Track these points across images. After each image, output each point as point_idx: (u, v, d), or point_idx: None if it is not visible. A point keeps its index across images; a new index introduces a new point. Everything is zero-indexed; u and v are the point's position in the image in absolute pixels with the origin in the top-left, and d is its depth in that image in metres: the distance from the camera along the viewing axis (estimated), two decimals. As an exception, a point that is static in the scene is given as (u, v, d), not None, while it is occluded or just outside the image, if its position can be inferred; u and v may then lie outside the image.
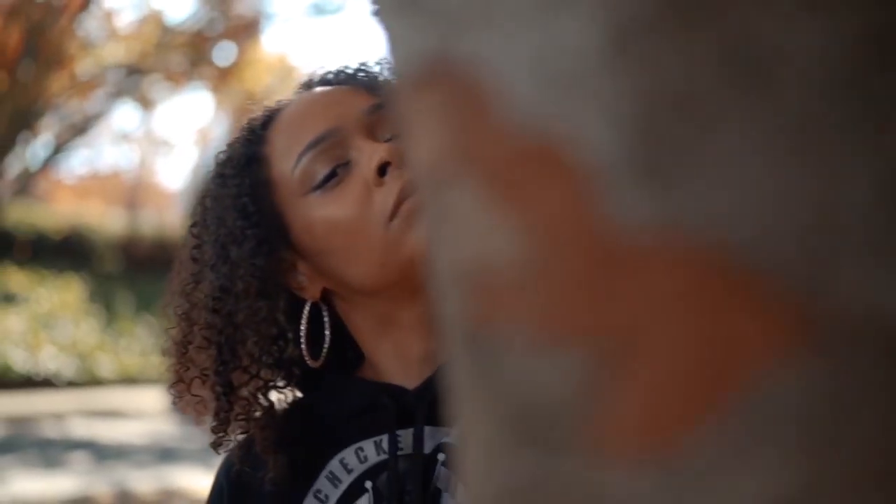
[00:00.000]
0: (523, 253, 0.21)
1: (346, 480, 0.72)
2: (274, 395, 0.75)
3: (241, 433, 0.74)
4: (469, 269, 0.23)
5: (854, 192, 0.16)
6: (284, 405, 0.76)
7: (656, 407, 0.18)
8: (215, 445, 0.74)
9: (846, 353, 0.17)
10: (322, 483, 0.72)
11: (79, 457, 6.43)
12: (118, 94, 12.29)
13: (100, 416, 7.76)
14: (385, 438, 0.71)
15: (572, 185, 0.19)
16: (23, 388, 8.41)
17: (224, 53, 12.04)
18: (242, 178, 0.74)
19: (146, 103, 13.02)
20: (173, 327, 0.76)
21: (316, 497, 0.72)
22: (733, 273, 0.18)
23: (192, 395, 0.75)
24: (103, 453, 6.50)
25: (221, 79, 11.99)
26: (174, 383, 0.75)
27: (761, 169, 0.17)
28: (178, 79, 12.02)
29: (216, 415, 0.73)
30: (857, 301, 0.16)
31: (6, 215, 11.71)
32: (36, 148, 12.48)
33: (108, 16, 11.63)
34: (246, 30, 11.91)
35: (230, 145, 0.77)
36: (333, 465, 0.72)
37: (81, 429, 7.31)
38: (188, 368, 0.74)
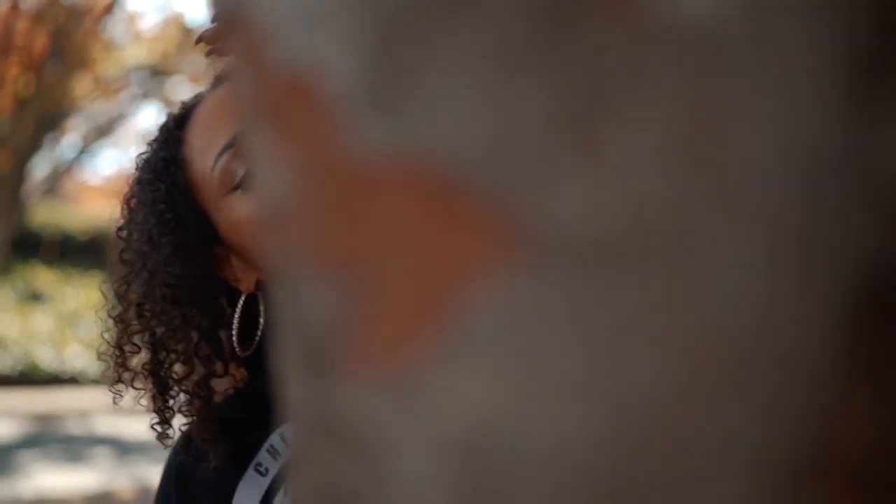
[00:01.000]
0: (295, 187, 0.22)
1: (286, 453, 0.73)
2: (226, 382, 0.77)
3: (185, 424, 0.76)
4: (269, 206, 0.24)
5: (533, 109, 0.17)
6: (228, 393, 0.78)
7: (390, 328, 0.19)
8: (160, 438, 0.77)
9: (541, 265, 0.18)
10: (263, 456, 0.74)
11: (102, 452, 6.52)
12: (143, 95, 12.44)
13: (123, 414, 7.86)
14: None
15: (324, 118, 0.20)
16: (49, 385, 8.54)
17: (246, 54, 12.08)
18: (158, 183, 0.75)
19: (170, 104, 13.16)
20: (108, 329, 0.78)
21: (256, 470, 0.74)
22: (447, 194, 0.18)
23: (136, 388, 0.77)
24: (126, 449, 6.58)
25: (243, 79, 12.03)
26: (114, 383, 0.78)
27: (466, 91, 0.18)
28: (200, 80, 12.13)
29: (158, 411, 0.75)
30: (542, 214, 0.17)
31: (33, 216, 11.89)
32: (63, 149, 12.66)
33: (132, 18, 11.78)
34: (267, 30, 11.94)
35: (149, 145, 0.79)
36: (273, 439, 0.74)
37: (105, 425, 7.41)
38: (126, 369, 0.76)
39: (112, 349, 0.77)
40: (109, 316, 0.77)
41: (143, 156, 0.79)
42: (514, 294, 0.18)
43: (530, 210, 0.17)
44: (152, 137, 0.79)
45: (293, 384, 0.24)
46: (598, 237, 0.17)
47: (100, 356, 0.79)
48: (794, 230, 0.16)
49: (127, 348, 0.76)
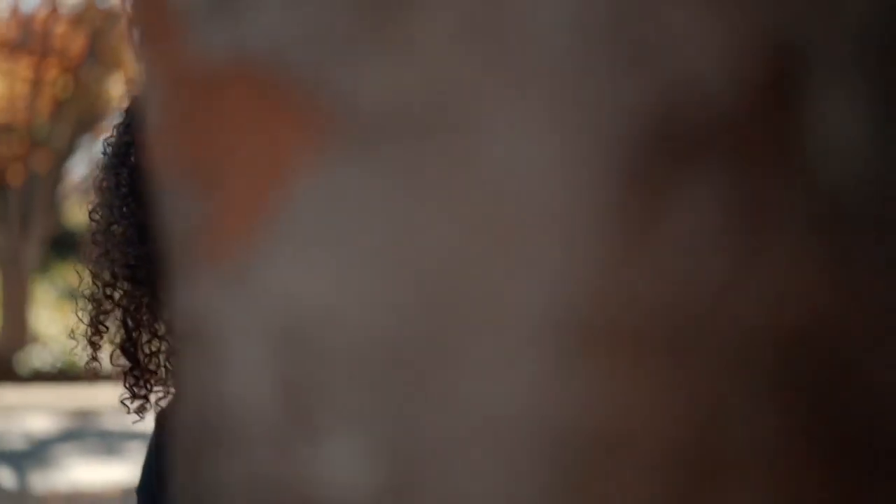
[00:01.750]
0: (159, 101, 0.23)
1: None
2: None
3: (161, 398, 0.78)
4: (147, 125, 0.25)
5: (345, 4, 0.18)
6: None
7: (229, 226, 0.20)
8: (138, 411, 0.79)
9: (350, 149, 0.18)
10: None
11: (137, 447, 6.63)
12: (177, 96, 12.57)
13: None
14: None
15: (174, 28, 0.21)
16: (87, 381, 8.68)
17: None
18: (120, 167, 0.77)
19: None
20: (82, 309, 0.80)
21: None
22: (274, 90, 0.19)
23: (114, 365, 0.79)
24: (160, 443, 6.68)
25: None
26: (89, 361, 0.80)
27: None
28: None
29: (133, 385, 0.77)
30: (350, 100, 0.18)
31: (71, 215, 12.12)
32: (99, 150, 12.86)
33: (166, 20, 11.91)
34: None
35: (114, 129, 0.80)
36: None
37: (140, 421, 7.53)
38: (100, 347, 0.78)
39: (86, 328, 0.79)
40: (83, 295, 0.79)
41: (109, 140, 0.80)
42: (329, 180, 0.18)
43: (341, 98, 0.18)
44: (117, 121, 0.80)
45: (172, 298, 0.25)
46: (398, 118, 0.18)
47: (70, 334, 0.81)
48: (572, 95, 0.16)
49: (100, 327, 0.78)
